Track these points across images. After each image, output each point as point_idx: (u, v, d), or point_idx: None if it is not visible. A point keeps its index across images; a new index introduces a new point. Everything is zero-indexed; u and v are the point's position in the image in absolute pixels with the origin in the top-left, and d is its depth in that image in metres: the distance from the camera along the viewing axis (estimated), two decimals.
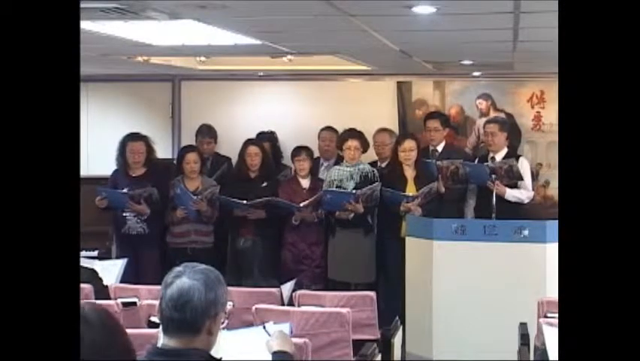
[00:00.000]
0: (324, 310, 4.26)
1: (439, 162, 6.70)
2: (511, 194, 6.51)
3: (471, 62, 6.68)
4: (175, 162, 7.56)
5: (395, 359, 4.81)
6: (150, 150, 6.82)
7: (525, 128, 7.87)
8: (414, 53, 6.09)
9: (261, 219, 6.74)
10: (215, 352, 2.60)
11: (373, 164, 7.06)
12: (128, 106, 8.51)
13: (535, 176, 7.44)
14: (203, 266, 2.63)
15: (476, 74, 7.75)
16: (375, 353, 4.33)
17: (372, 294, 4.74)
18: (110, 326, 2.15)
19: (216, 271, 2.64)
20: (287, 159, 7.56)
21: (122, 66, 7.18)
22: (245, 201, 6.61)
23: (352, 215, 6.52)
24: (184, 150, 7.06)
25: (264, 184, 6.83)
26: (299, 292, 4.75)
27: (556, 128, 7.35)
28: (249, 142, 7.04)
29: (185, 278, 2.55)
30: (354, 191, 6.49)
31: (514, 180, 6.53)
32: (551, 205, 7.64)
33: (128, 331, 2.25)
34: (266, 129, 7.83)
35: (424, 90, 8.10)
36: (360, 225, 6.64)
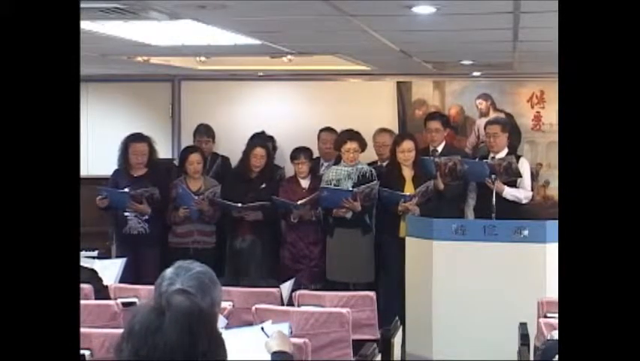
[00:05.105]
0: (323, 310, 4.25)
1: (437, 159, 6.68)
2: (509, 192, 6.51)
3: (471, 62, 6.67)
4: (175, 162, 7.56)
5: (395, 359, 4.80)
6: (152, 150, 6.82)
7: (525, 129, 7.85)
8: (414, 53, 6.09)
9: (258, 220, 6.74)
10: None
11: (373, 164, 7.05)
12: (128, 106, 8.50)
13: (535, 176, 7.43)
14: (196, 269, 2.60)
15: (476, 74, 7.73)
16: (375, 353, 4.32)
17: (372, 294, 4.73)
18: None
19: (210, 272, 2.62)
20: (285, 159, 7.55)
21: (122, 66, 7.18)
22: (239, 204, 6.61)
23: (351, 214, 6.51)
24: (187, 151, 7.06)
25: (263, 185, 6.83)
26: (299, 292, 4.74)
27: (556, 128, 7.34)
28: (256, 143, 7.04)
29: (178, 286, 2.51)
30: (351, 189, 6.48)
31: (513, 177, 6.52)
32: (551, 205, 7.62)
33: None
34: (258, 130, 7.78)
35: (423, 90, 8.09)
36: (359, 224, 6.63)
